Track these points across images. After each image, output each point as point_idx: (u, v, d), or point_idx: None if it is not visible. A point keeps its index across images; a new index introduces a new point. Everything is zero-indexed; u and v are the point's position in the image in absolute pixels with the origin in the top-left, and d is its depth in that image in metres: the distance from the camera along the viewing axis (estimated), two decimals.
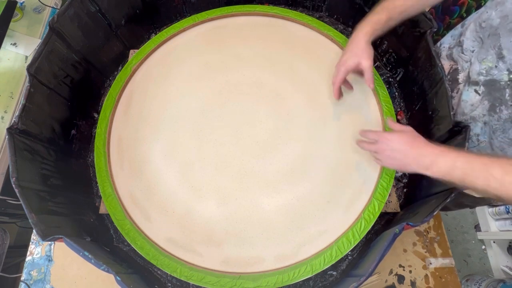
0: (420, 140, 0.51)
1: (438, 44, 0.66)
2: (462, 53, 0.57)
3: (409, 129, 0.54)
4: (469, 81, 0.54)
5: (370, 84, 0.61)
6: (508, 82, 0.49)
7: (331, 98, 0.71)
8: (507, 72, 0.48)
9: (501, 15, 0.48)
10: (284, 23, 0.82)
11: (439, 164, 0.46)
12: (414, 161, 0.49)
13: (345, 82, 0.68)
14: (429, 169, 0.47)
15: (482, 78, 0.52)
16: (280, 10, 0.83)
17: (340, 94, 0.68)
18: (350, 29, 0.86)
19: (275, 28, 0.82)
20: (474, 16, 0.57)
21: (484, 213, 1.35)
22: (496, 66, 0.49)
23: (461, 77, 0.57)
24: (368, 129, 0.60)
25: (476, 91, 0.53)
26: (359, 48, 0.60)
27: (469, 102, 0.55)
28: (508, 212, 1.22)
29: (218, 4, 0.87)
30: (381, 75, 0.75)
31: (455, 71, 0.59)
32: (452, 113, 0.53)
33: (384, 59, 0.79)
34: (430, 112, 0.62)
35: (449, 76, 0.59)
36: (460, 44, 0.57)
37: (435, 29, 0.60)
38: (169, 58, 0.79)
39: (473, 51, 0.55)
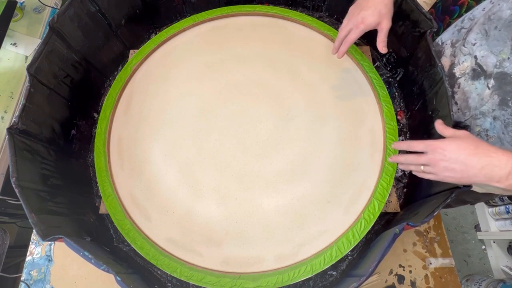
0: (484, 146, 0.43)
1: (439, 41, 0.65)
2: (464, 46, 0.56)
3: (464, 133, 0.46)
4: (485, 75, 0.52)
5: (383, 47, 0.56)
6: None
7: (331, 98, 0.71)
8: None
9: None
10: (284, 23, 0.82)
11: None
12: (481, 172, 0.42)
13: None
14: (502, 182, 0.41)
15: (495, 70, 0.50)
16: (280, 10, 0.83)
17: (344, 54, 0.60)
18: None
19: (275, 28, 0.82)
20: (481, 11, 0.56)
21: (484, 213, 1.35)
22: (509, 58, 0.48)
23: (457, 70, 0.56)
24: (405, 140, 0.50)
25: (486, 85, 0.52)
26: (386, 5, 0.53)
27: (479, 96, 0.53)
28: (508, 212, 1.22)
29: (218, 4, 0.87)
30: (381, 75, 0.75)
31: (451, 66, 0.58)
32: (452, 113, 0.53)
33: (384, 59, 0.79)
34: (430, 112, 0.62)
35: (446, 72, 0.58)
36: (464, 37, 0.56)
37: (435, 29, 0.60)
38: (169, 58, 0.80)
39: (474, 44, 0.54)
